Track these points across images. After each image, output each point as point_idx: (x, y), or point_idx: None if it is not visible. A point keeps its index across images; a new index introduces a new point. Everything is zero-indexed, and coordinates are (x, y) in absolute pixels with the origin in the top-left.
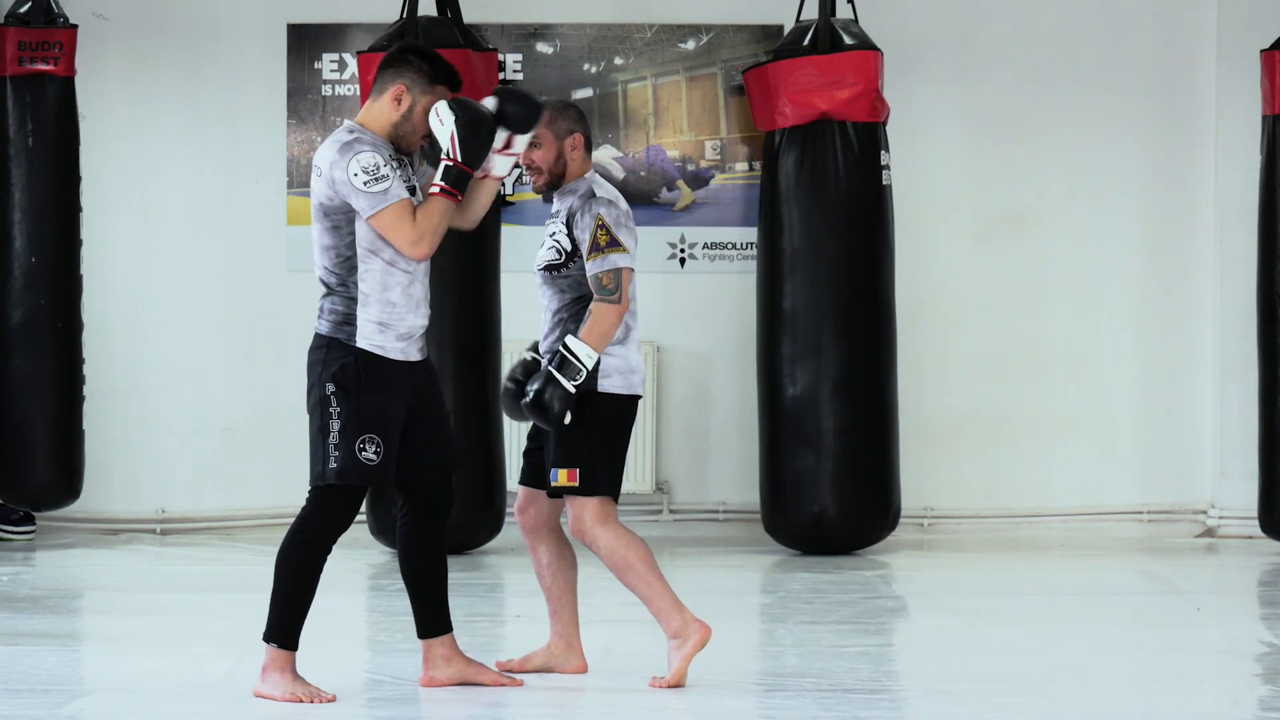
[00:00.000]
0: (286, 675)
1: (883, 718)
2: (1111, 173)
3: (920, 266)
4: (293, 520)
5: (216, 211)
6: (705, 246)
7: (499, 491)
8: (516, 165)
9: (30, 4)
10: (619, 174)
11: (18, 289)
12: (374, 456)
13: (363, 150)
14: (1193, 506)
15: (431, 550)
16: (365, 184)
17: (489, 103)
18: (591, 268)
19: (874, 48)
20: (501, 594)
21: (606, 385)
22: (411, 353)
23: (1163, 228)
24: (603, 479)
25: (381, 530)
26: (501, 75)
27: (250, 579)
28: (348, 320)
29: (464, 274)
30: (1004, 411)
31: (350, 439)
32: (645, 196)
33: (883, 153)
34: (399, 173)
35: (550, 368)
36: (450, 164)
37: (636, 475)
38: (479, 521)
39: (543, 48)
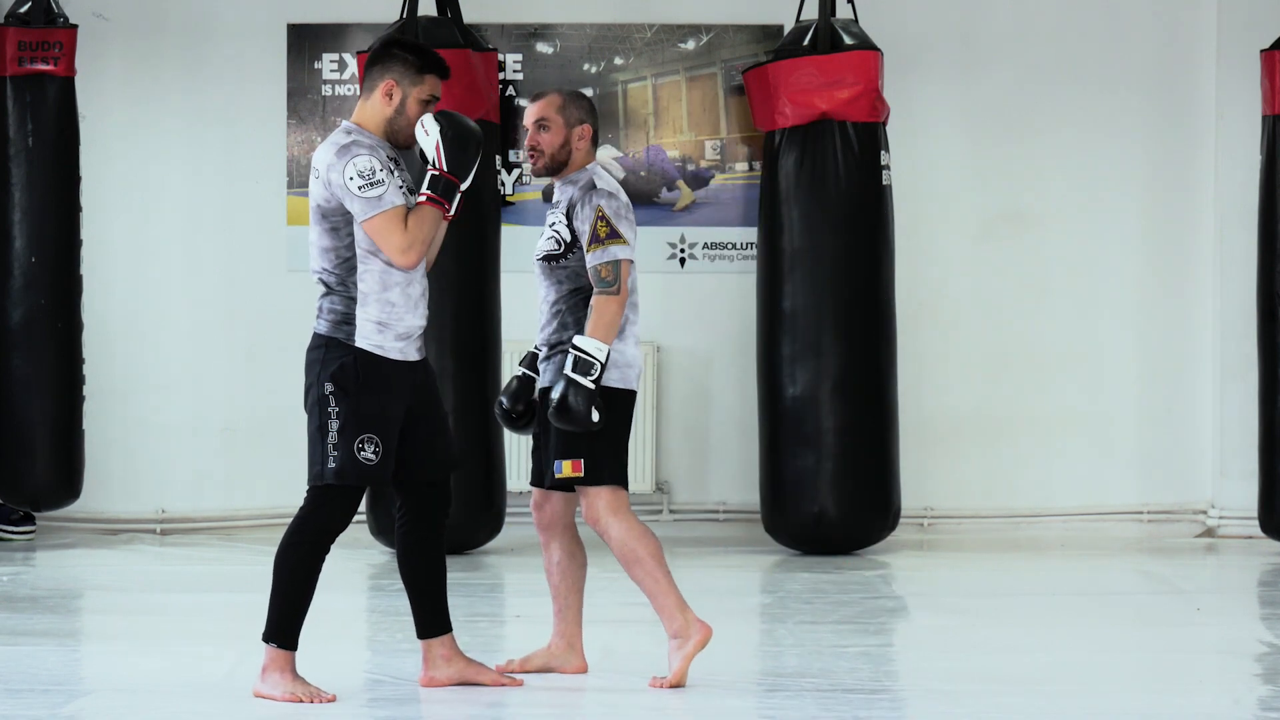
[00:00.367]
0: (286, 675)
1: (883, 718)
2: (1111, 173)
3: (920, 266)
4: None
5: (216, 211)
6: (705, 246)
7: (499, 491)
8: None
9: (30, 4)
10: (619, 174)
11: (18, 289)
12: (372, 456)
13: (359, 154)
14: (1193, 506)
15: (431, 550)
16: (360, 188)
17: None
18: (591, 259)
19: (874, 48)
20: (501, 594)
21: (606, 379)
22: (410, 353)
23: (1163, 228)
24: (608, 468)
25: (381, 530)
26: (501, 75)
27: (250, 579)
28: (346, 320)
29: (464, 274)
30: (1004, 411)
31: (349, 439)
32: (645, 196)
33: (883, 153)
34: (396, 177)
35: (567, 372)
36: (436, 173)
37: (637, 475)
38: (479, 521)
39: (543, 48)
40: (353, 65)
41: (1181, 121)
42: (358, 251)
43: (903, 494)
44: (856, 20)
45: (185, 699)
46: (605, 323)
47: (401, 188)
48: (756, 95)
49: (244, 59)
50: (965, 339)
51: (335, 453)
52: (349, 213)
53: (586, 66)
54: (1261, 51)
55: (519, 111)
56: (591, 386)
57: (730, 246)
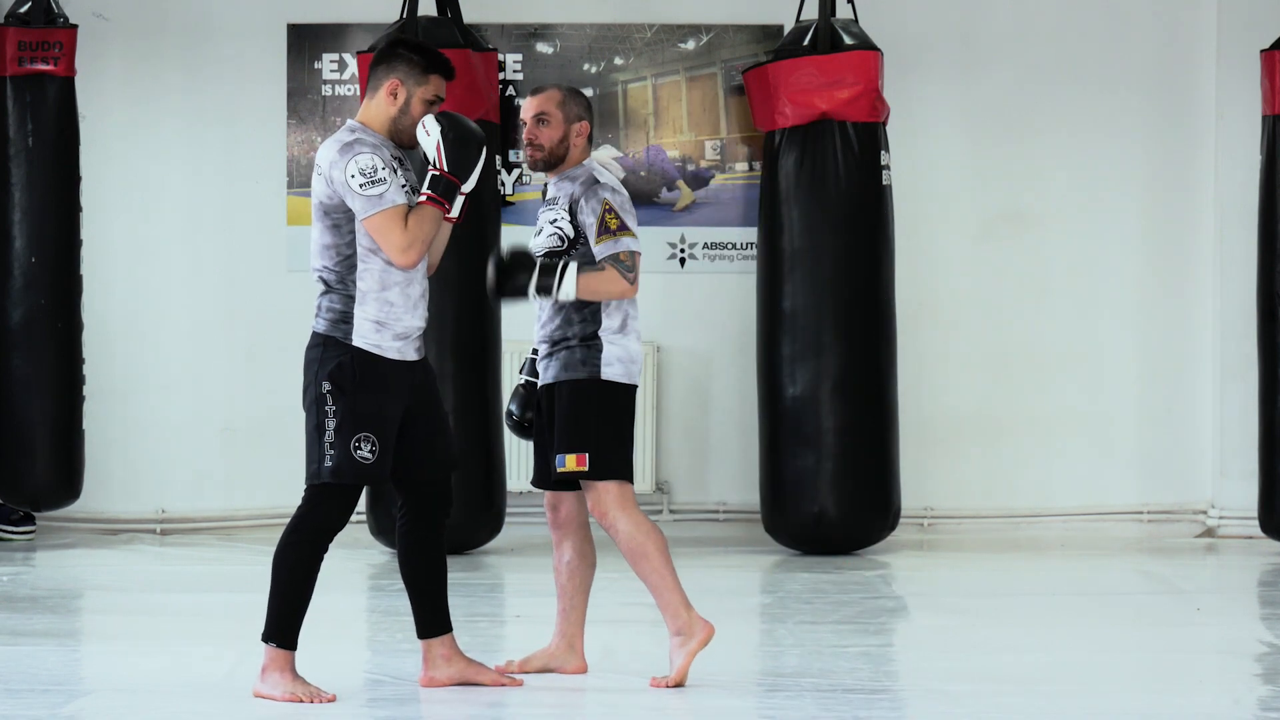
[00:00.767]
0: (286, 675)
1: (883, 718)
2: (1111, 173)
3: (920, 266)
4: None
5: (216, 211)
6: (705, 246)
7: (499, 491)
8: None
9: (30, 4)
10: (620, 173)
11: (18, 289)
12: (369, 455)
13: (362, 152)
14: (1193, 506)
15: (431, 550)
16: (361, 186)
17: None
18: (605, 249)
19: (874, 48)
20: (501, 594)
21: (609, 374)
22: (408, 353)
23: (1163, 228)
24: (613, 462)
25: (381, 530)
26: (501, 75)
27: (250, 579)
28: (345, 319)
29: (464, 274)
30: (1004, 411)
31: (345, 438)
32: (645, 196)
33: (883, 153)
34: (398, 176)
35: (543, 261)
36: (437, 174)
37: (637, 475)
38: (479, 521)
39: (543, 48)
40: (353, 65)
41: (1181, 121)
42: (358, 250)
43: (903, 494)
44: (856, 20)
45: (185, 699)
46: (601, 289)
47: (404, 187)
48: (756, 95)
49: (244, 59)
50: (965, 339)
51: (332, 452)
52: (350, 210)
53: (586, 66)
54: (1261, 51)
55: (519, 112)
56: (533, 283)
57: (730, 246)
